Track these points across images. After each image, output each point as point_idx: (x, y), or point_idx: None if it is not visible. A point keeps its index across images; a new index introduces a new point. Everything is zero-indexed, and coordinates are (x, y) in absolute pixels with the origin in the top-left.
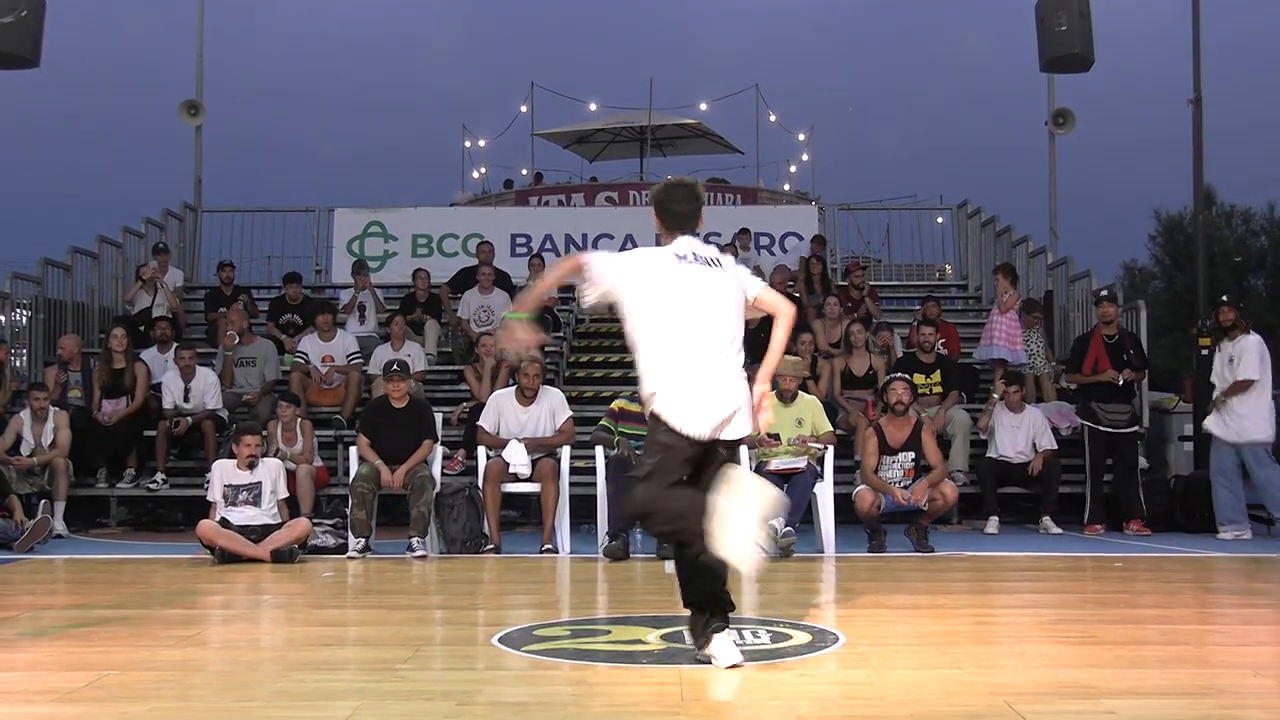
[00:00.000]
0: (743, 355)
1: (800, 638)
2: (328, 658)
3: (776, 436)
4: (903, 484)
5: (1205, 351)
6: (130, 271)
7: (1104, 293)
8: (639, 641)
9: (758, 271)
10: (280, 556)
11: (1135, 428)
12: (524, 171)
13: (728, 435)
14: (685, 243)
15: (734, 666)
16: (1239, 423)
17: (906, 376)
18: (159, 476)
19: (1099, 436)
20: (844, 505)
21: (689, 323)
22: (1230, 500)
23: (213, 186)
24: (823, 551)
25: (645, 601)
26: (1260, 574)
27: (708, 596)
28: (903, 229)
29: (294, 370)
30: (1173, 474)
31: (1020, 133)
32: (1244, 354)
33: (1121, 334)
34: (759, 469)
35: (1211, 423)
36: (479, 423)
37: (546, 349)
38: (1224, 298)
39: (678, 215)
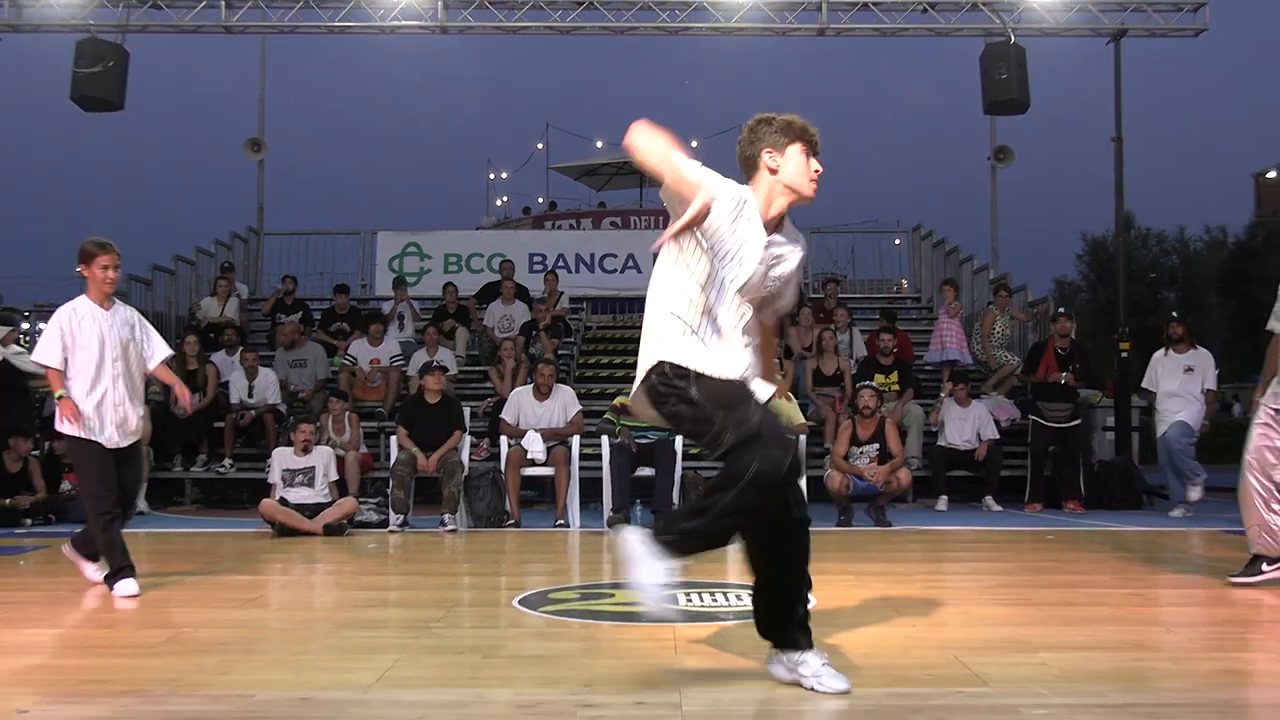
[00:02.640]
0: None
1: None
2: (372, 617)
3: None
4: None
5: (1124, 355)
6: (202, 285)
7: (1061, 310)
8: (639, 604)
9: None
10: (331, 530)
11: (1076, 422)
12: (540, 200)
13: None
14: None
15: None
16: (1169, 415)
17: (874, 385)
18: (226, 461)
19: (1042, 429)
20: (814, 487)
21: None
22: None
23: (273, 212)
24: None
25: None
26: (1172, 544)
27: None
28: (865, 249)
29: (342, 371)
30: (1096, 459)
31: (966, 166)
32: (1208, 367)
33: (1073, 347)
34: None
35: (1164, 420)
36: (501, 415)
37: (559, 353)
38: (1174, 314)
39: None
